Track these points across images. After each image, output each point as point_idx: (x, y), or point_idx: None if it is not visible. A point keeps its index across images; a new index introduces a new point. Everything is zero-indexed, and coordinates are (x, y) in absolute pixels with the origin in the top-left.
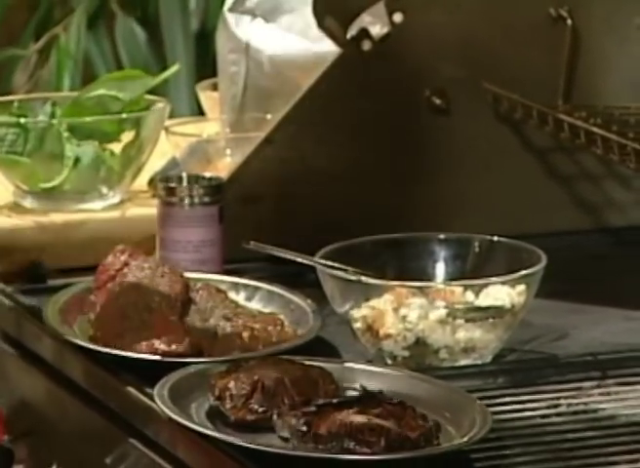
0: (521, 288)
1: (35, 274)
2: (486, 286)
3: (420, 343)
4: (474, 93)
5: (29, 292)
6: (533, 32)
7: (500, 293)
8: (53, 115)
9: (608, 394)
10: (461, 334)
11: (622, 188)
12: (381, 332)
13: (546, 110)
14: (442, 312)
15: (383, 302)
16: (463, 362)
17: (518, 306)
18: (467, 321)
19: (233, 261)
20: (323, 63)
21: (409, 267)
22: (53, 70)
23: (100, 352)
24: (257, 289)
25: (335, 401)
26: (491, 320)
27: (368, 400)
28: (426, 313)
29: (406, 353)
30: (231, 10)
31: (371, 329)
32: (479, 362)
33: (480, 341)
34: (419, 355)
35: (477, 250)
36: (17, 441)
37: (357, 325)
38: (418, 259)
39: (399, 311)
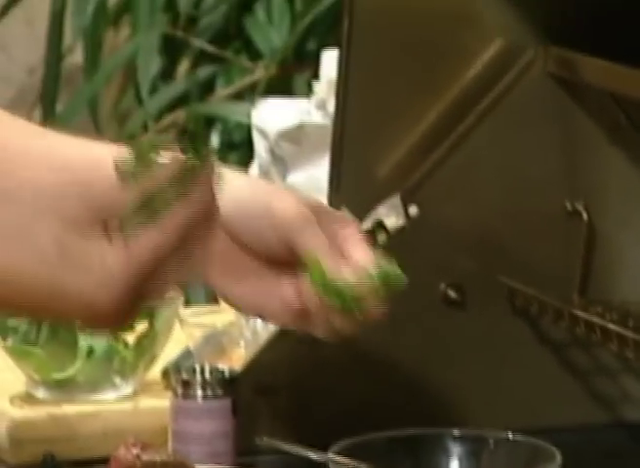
0: None
1: (47, 466)
2: None
3: None
4: (490, 286)
5: None
6: (548, 226)
7: None
8: None
9: None
10: None
11: (639, 383)
12: None
13: (562, 306)
14: None
15: None
16: None
17: None
18: None
19: (247, 454)
20: None
21: (422, 464)
22: None
23: None
24: None
25: None
26: None
27: None
28: None
29: None
30: None
31: None
32: None
33: None
34: None
35: (492, 447)
36: None
37: None
38: (432, 455)
39: None
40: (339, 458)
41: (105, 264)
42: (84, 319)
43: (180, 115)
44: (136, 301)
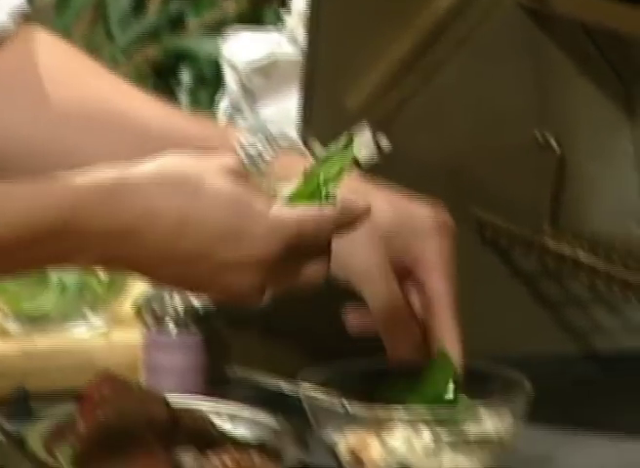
0: (507, 415)
1: (18, 400)
2: (472, 413)
3: None
4: (460, 218)
5: (11, 417)
6: (519, 158)
7: (485, 421)
8: None
9: None
10: (446, 461)
11: (610, 314)
12: (366, 459)
13: (532, 237)
14: (427, 439)
15: (368, 428)
16: None
17: (504, 434)
18: (453, 448)
19: (218, 385)
20: None
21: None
22: None
23: None
24: (241, 414)
25: None
26: (476, 447)
27: None
28: (412, 440)
29: None
30: None
31: (355, 455)
32: None
33: None
34: None
35: (462, 376)
36: None
37: (342, 451)
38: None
39: (384, 438)
40: (310, 387)
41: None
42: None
43: (150, 50)
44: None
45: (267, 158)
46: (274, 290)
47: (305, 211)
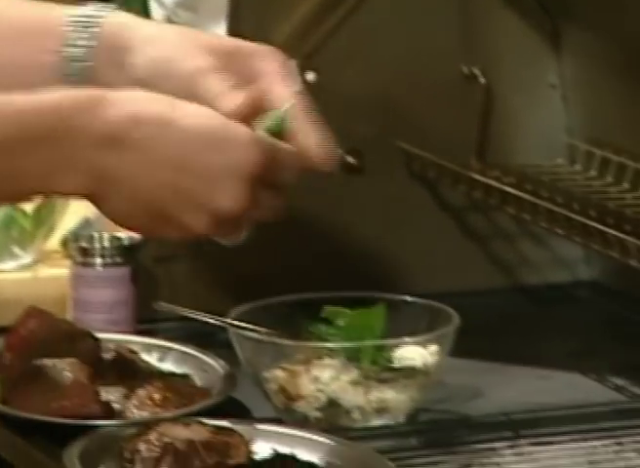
0: (434, 348)
1: None
2: (399, 346)
3: (332, 404)
4: (388, 152)
5: None
6: (446, 91)
7: (413, 354)
8: None
9: (521, 454)
10: (374, 395)
11: (536, 247)
12: (294, 394)
13: (459, 169)
14: (355, 373)
15: (296, 363)
16: (376, 422)
17: (431, 366)
18: (380, 381)
19: (146, 322)
20: None
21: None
22: None
23: (9, 414)
24: (169, 349)
25: (246, 463)
26: (404, 380)
27: (280, 462)
28: (339, 374)
29: (319, 414)
30: None
31: (283, 390)
32: (392, 422)
33: (393, 402)
34: (331, 416)
35: (391, 310)
36: None
37: (270, 386)
38: None
39: (311, 372)
40: (239, 323)
41: None
42: None
43: None
44: None
45: (99, 21)
46: (247, 223)
47: (281, 143)
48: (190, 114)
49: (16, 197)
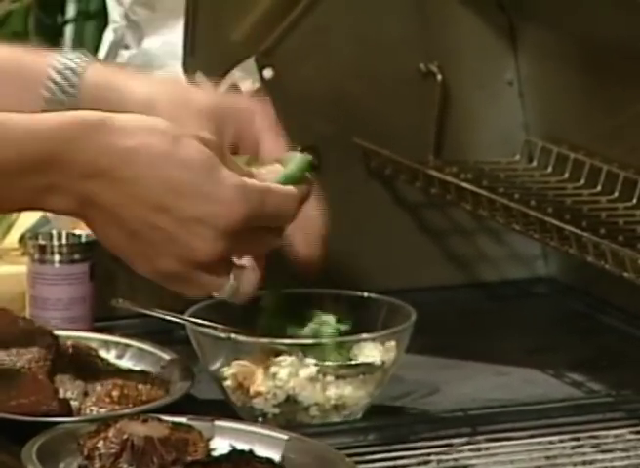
0: (391, 344)
1: None
2: (356, 342)
3: (290, 401)
4: (345, 148)
5: None
6: (403, 87)
7: (370, 350)
8: None
9: (478, 450)
10: (332, 391)
11: (494, 243)
12: (252, 390)
13: (416, 166)
14: (312, 369)
15: (253, 360)
16: (334, 419)
17: (389, 362)
18: (338, 378)
19: (104, 319)
20: None
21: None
22: None
23: None
24: (127, 346)
25: (204, 460)
26: (361, 377)
27: (237, 458)
28: (296, 370)
29: (276, 410)
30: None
31: (241, 386)
32: (350, 419)
33: (351, 398)
34: (289, 412)
35: (349, 306)
36: None
37: (227, 382)
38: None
39: (269, 369)
40: (196, 320)
41: None
42: None
43: None
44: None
45: (79, 71)
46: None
47: (271, 185)
48: (187, 156)
49: (4, 211)
